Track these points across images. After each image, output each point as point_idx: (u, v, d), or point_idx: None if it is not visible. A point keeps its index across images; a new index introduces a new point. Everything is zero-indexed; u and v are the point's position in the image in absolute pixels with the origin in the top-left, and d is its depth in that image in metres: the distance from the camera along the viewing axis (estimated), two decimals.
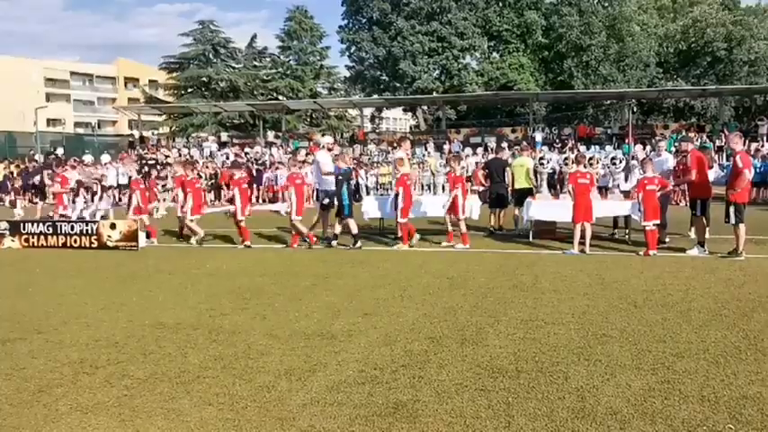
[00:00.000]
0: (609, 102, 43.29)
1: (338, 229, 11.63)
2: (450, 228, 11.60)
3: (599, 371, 4.71)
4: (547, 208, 12.07)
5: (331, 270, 9.22)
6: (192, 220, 12.25)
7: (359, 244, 11.23)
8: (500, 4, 44.01)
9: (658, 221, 10.43)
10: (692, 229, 11.07)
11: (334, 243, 11.46)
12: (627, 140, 30.87)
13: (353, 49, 47.51)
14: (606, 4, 42.86)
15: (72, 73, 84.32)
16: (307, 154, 30.49)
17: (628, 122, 34.34)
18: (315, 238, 11.63)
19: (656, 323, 5.99)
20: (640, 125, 35.93)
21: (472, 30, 43.44)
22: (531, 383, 4.49)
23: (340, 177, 11.53)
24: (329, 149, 12.75)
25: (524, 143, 29.39)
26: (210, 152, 34.63)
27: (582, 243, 10.54)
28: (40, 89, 76.08)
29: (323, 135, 39.31)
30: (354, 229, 11.29)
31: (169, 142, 40.05)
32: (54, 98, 76.26)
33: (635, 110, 38.28)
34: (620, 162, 18.72)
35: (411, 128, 55.69)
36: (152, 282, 8.63)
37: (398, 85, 45.36)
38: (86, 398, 4.34)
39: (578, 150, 27.49)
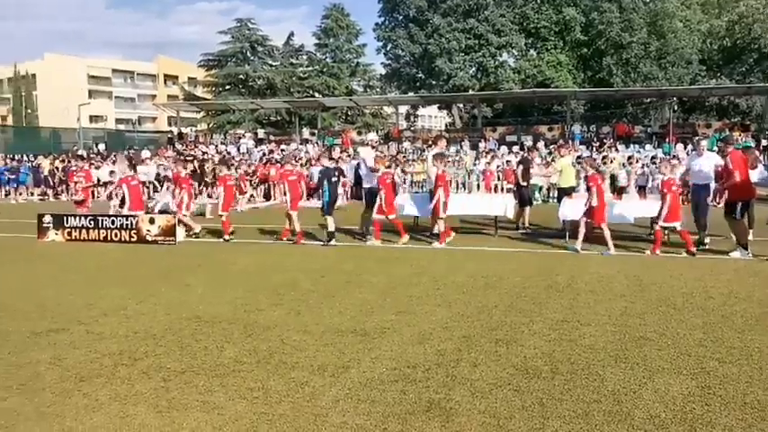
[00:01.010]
0: (649, 100, 42.44)
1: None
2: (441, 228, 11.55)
3: (636, 374, 4.63)
4: (583, 208, 11.89)
5: (364, 267, 9.25)
6: (185, 215, 12.64)
7: (333, 242, 11.42)
8: (538, 1, 43.47)
9: (679, 222, 10.21)
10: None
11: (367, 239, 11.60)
12: (667, 139, 30.29)
13: (389, 46, 47.52)
14: (648, 0, 41.99)
15: (114, 70, 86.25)
16: (342, 150, 30.73)
17: (668, 121, 33.66)
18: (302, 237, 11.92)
19: (697, 327, 5.85)
20: (681, 124, 35.19)
21: (509, 27, 43.04)
22: (566, 385, 4.43)
23: (320, 176, 11.86)
24: (372, 147, 13.01)
25: (561, 141, 29.09)
26: (247, 149, 35.06)
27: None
28: (83, 86, 78.04)
29: (359, 133, 39.53)
30: (331, 227, 11.50)
31: (207, 139, 40.67)
32: (96, 95, 78.18)
33: (676, 108, 37.43)
34: (661, 161, 18.38)
35: (446, 125, 55.48)
36: (189, 276, 8.76)
37: (434, 82, 45.19)
38: (125, 388, 4.43)
39: (617, 149, 27.07)
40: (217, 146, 36.08)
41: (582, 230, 10.50)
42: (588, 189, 10.68)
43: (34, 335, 5.74)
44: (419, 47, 44.39)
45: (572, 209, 11.60)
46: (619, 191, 18.73)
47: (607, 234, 10.36)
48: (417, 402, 4.15)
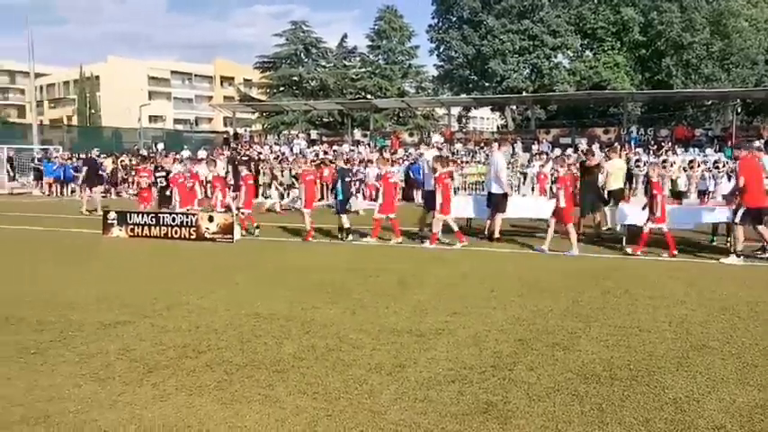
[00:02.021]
0: (710, 102, 41.10)
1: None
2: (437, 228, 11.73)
3: (699, 383, 4.53)
4: (641, 212, 11.65)
5: (415, 268, 9.30)
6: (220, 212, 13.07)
7: (350, 237, 12.12)
8: (595, 1, 42.65)
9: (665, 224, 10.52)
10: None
11: (426, 243, 11.65)
12: (729, 143, 29.32)
13: (442, 48, 47.42)
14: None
15: (172, 72, 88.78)
16: (393, 153, 30.82)
17: (731, 124, 32.53)
18: (312, 235, 12.41)
19: (763, 336, 5.68)
20: (745, 127, 33.93)
21: (565, 28, 42.37)
22: (626, 391, 4.37)
23: (337, 176, 12.58)
24: (438, 148, 13.31)
25: (616, 144, 28.44)
26: (300, 149, 35.55)
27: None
28: (143, 87, 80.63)
29: (410, 134, 39.59)
30: (346, 225, 12.20)
31: (261, 139, 41.41)
32: (156, 96, 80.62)
33: (739, 111, 36.10)
34: (724, 166, 17.86)
35: (498, 127, 54.99)
36: (246, 273, 8.98)
37: (487, 84, 44.90)
38: (190, 380, 4.59)
39: (676, 153, 26.31)
40: (271, 146, 36.69)
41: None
42: (557, 190, 11.04)
43: (103, 326, 5.99)
44: (472, 48, 44.14)
45: (632, 213, 11.39)
46: (678, 195, 18.25)
47: (573, 235, 10.67)
48: (474, 403, 4.17)
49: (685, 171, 20.45)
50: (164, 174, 14.67)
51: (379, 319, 6.30)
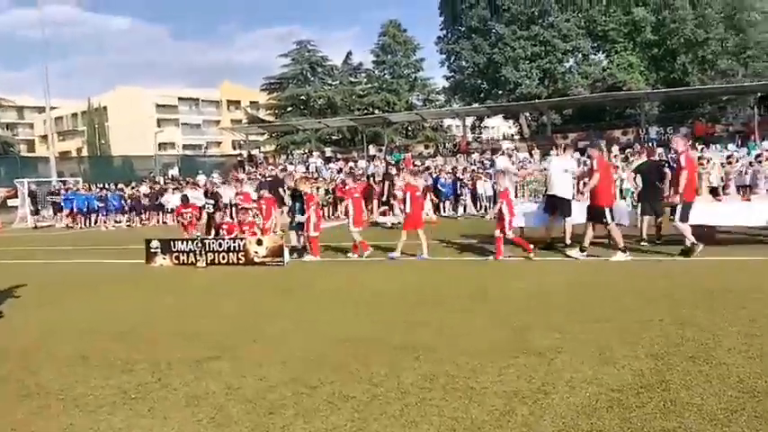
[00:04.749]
0: (726, 97, 40.63)
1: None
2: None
3: None
4: (705, 212, 11.21)
5: (488, 283, 8.87)
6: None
7: (295, 256, 12.15)
8: (605, 3, 42.42)
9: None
10: None
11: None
12: (753, 138, 28.96)
13: (453, 58, 47.24)
14: None
15: (180, 98, 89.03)
16: (413, 164, 30.49)
17: (751, 118, 32.09)
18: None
19: None
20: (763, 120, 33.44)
21: (576, 31, 42.11)
22: None
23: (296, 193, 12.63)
24: (509, 155, 13.35)
25: (637, 145, 28.07)
26: (316, 167, 35.25)
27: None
28: (151, 115, 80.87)
29: (425, 147, 39.31)
30: (293, 243, 12.42)
31: (276, 160, 41.17)
32: (164, 123, 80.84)
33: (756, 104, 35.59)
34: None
35: (504, 135, 54.55)
36: (310, 296, 8.58)
37: (500, 92, 44.63)
38: (319, 422, 4.14)
39: (696, 149, 25.82)
40: (285, 167, 36.41)
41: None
42: (403, 197, 11.62)
43: (194, 362, 5.55)
44: (483, 57, 43.92)
45: (695, 213, 10.95)
46: (713, 192, 17.72)
47: (423, 238, 11.24)
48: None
49: (723, 167, 20.01)
50: (213, 200, 14.24)
51: (483, 340, 5.85)
